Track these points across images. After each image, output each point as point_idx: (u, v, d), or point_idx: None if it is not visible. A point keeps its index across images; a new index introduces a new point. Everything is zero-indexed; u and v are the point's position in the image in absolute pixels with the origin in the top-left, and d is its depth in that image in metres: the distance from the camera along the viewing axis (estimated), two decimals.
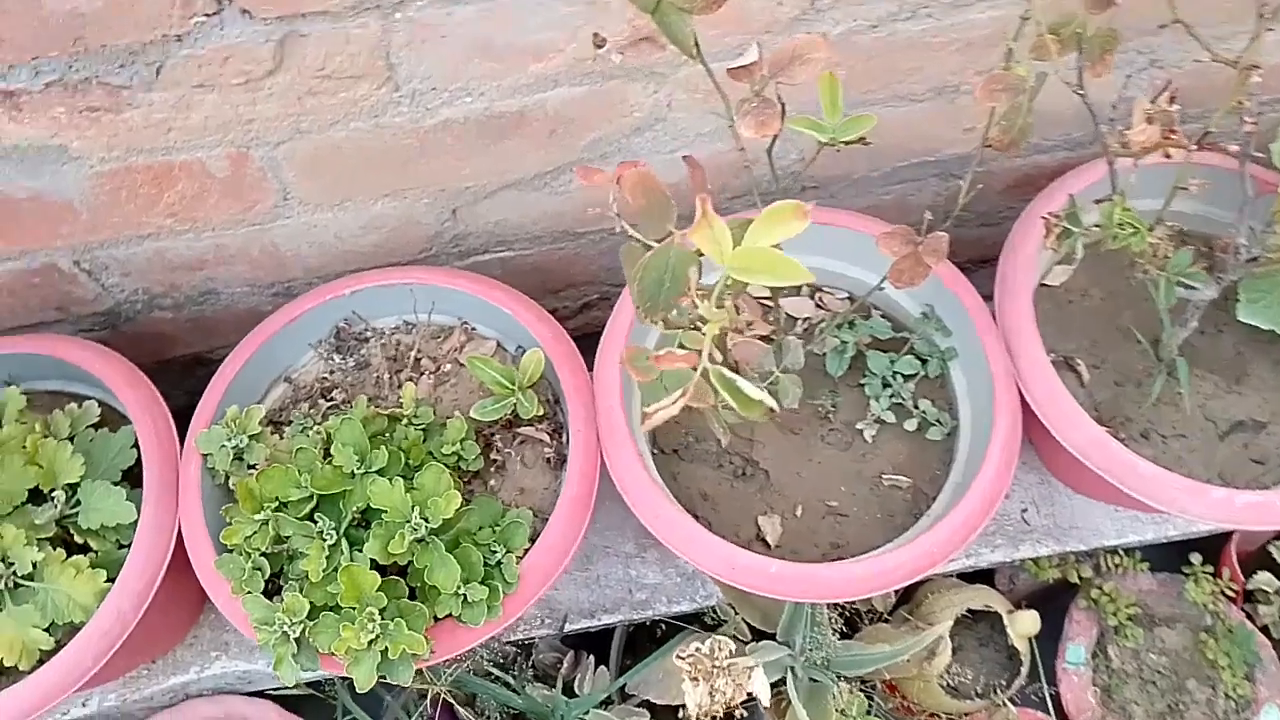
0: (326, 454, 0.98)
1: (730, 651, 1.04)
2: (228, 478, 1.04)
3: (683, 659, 1.03)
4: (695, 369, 0.58)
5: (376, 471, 0.94)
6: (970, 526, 0.96)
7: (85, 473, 1.03)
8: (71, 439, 1.06)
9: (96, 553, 1.04)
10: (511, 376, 1.03)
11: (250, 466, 1.03)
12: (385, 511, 0.90)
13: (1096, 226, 0.85)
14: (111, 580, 0.99)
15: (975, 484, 0.98)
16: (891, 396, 1.10)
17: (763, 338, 1.17)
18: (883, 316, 1.16)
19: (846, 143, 0.69)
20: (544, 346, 1.07)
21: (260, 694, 1.24)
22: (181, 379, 1.30)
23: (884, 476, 1.08)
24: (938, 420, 1.09)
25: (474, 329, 1.19)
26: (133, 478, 1.07)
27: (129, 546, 1.01)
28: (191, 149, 1.00)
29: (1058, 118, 1.18)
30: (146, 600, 0.99)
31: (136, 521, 1.02)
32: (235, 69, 0.92)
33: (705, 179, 0.64)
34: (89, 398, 1.13)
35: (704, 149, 1.12)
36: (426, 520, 0.90)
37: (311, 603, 0.91)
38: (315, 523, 0.94)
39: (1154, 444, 1.08)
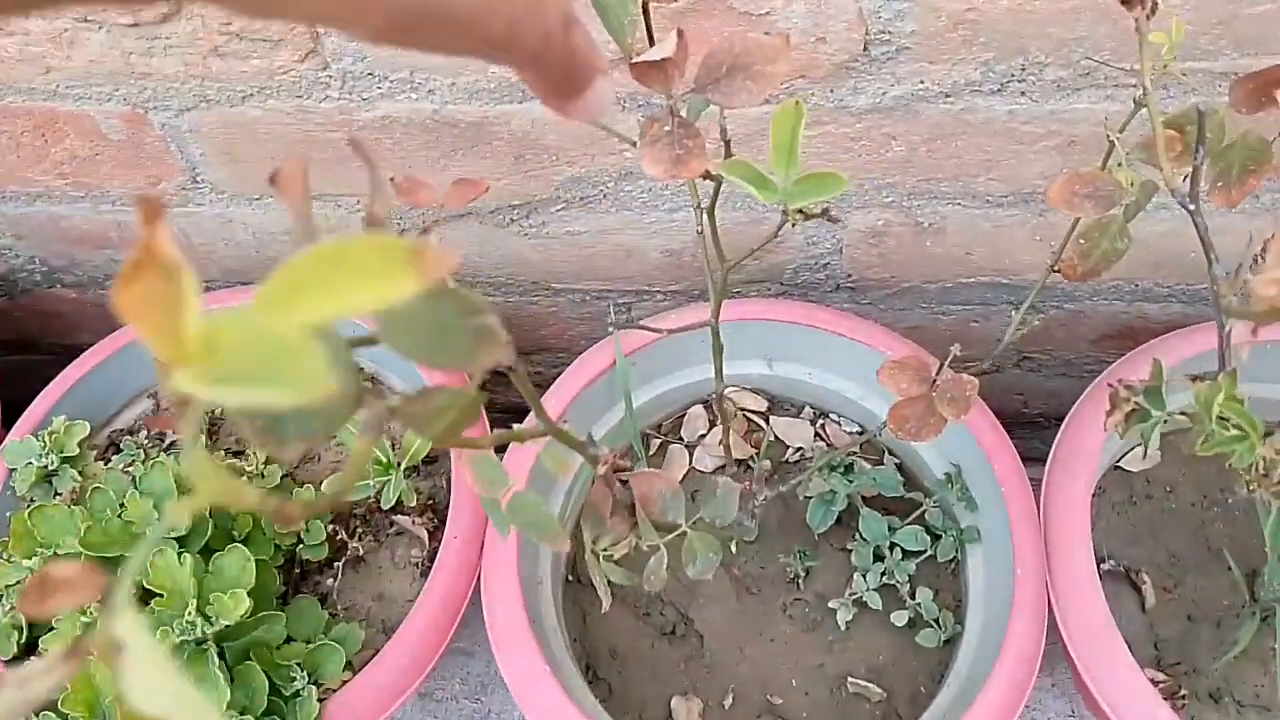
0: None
1: None
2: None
3: None
4: None
5: (176, 539, 0.72)
6: None
7: None
8: None
9: None
10: (389, 452, 0.80)
11: (56, 494, 0.82)
12: (161, 595, 0.68)
13: (1184, 414, 0.59)
14: None
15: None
16: (883, 574, 0.83)
17: (739, 462, 0.92)
18: (897, 467, 0.90)
19: (804, 215, 0.46)
20: None
21: None
22: None
23: (850, 680, 0.81)
24: (936, 621, 0.82)
25: (385, 383, 0.97)
26: None
27: None
28: (78, 98, 0.82)
29: (1178, 261, 0.91)
30: None
31: None
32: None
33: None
34: None
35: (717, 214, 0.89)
36: (207, 619, 0.67)
37: None
38: None
39: (1224, 711, 0.79)
